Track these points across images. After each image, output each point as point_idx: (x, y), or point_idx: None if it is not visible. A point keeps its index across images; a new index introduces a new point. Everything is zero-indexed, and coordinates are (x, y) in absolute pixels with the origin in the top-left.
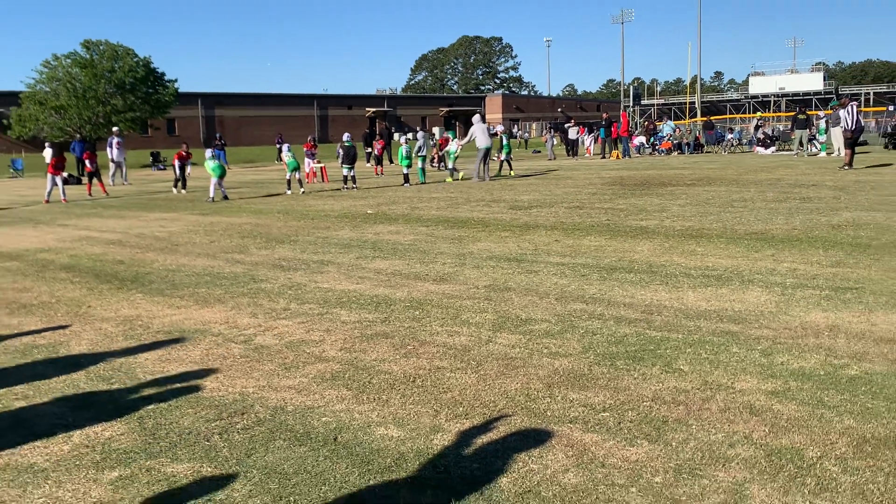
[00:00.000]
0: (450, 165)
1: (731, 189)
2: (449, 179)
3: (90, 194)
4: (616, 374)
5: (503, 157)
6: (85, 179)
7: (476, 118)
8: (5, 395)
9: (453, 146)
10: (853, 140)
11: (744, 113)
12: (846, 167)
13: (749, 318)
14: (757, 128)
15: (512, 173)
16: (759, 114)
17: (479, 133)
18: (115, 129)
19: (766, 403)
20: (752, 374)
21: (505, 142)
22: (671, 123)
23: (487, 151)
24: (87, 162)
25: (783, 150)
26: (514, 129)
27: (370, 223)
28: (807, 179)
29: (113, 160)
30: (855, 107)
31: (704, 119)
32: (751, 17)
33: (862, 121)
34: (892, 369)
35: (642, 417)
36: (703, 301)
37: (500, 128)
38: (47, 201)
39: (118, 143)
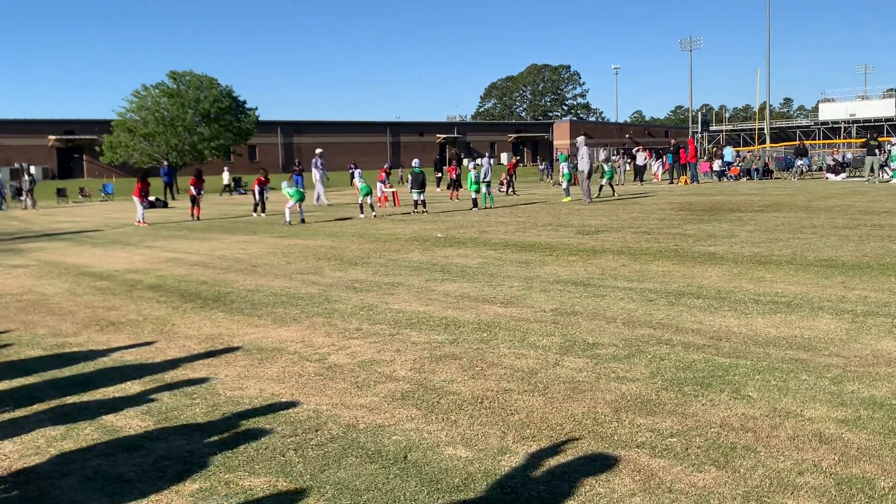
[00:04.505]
0: (564, 185)
1: (800, 215)
2: (565, 199)
3: (194, 217)
4: (684, 399)
5: (605, 180)
6: (173, 203)
7: (581, 140)
8: (96, 409)
9: (566, 169)
10: None
11: (814, 139)
12: None
13: (819, 346)
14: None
15: (614, 195)
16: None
17: (585, 155)
18: (318, 150)
19: (836, 432)
20: (821, 402)
21: (607, 167)
22: (730, 149)
23: (589, 173)
24: (192, 187)
25: (854, 176)
26: (613, 156)
27: (439, 246)
28: (878, 206)
29: (317, 180)
30: None
31: (797, 143)
32: (820, 44)
33: None
34: None
35: (710, 443)
36: (773, 328)
37: (602, 154)
38: (139, 223)
39: (323, 163)
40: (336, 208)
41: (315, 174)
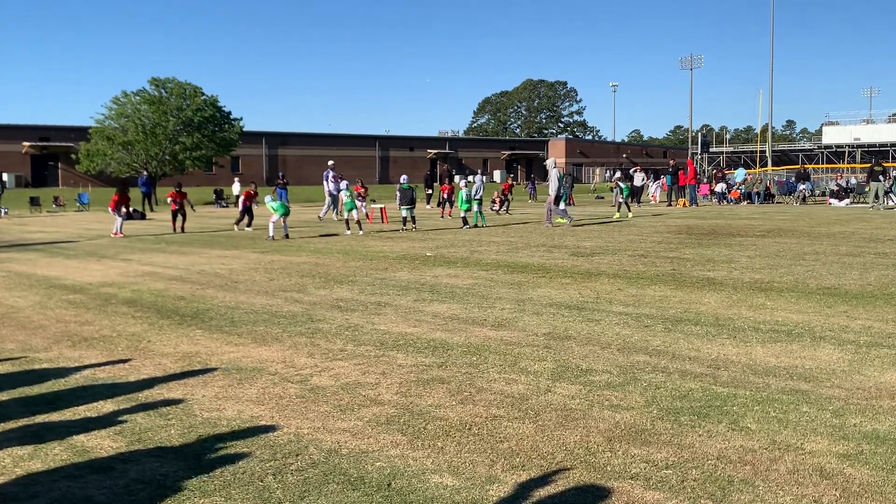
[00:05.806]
0: (561, 207)
1: (802, 241)
2: (560, 220)
3: (176, 231)
4: (680, 430)
5: (622, 198)
6: (151, 214)
7: (550, 162)
8: (66, 428)
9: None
10: None
11: (817, 163)
12: None
13: (821, 377)
14: None
15: (630, 215)
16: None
17: (554, 179)
18: (330, 162)
19: (838, 466)
20: (822, 436)
21: (624, 185)
22: (742, 170)
23: (557, 198)
24: (169, 199)
25: (858, 202)
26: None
27: (429, 266)
28: (882, 233)
29: (330, 193)
30: None
31: (800, 167)
32: (824, 66)
33: None
34: None
35: (707, 476)
36: (773, 357)
37: (618, 174)
38: (115, 234)
39: (334, 176)
40: (324, 223)
41: (328, 187)
